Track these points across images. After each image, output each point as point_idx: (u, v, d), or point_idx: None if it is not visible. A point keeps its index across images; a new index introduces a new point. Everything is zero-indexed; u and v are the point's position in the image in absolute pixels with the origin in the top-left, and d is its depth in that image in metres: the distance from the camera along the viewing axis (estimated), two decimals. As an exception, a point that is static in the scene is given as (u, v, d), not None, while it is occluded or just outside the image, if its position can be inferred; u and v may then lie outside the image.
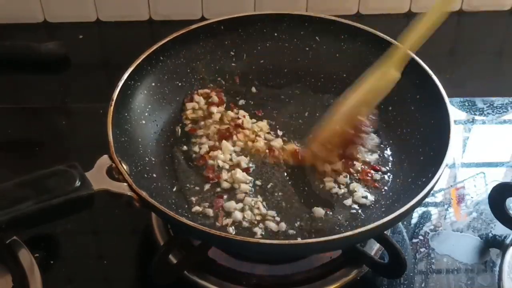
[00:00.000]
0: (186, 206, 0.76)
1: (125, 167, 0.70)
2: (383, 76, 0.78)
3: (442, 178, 0.71)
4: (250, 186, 0.78)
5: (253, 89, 0.91)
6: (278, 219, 0.75)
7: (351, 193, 0.78)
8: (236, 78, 0.91)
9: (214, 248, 0.75)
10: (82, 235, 0.81)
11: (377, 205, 0.77)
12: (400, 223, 0.82)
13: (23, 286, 0.69)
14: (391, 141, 0.84)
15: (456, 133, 0.74)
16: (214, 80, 0.90)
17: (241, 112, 0.88)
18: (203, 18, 1.12)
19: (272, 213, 0.76)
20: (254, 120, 0.87)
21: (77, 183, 0.66)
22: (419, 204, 0.69)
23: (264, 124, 0.86)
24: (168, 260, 0.72)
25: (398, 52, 0.78)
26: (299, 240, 0.70)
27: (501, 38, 1.16)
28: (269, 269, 0.75)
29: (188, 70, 0.88)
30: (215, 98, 0.89)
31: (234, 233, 0.73)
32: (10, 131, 0.95)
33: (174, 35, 0.86)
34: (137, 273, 0.77)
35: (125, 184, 0.68)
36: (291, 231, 0.74)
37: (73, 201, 0.66)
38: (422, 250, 0.79)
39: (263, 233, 0.74)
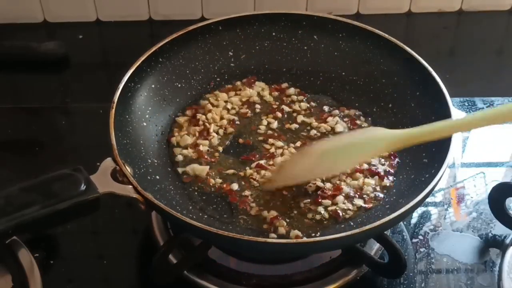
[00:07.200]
0: (191, 207, 0.76)
1: (129, 169, 0.70)
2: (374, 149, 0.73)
3: (442, 178, 0.71)
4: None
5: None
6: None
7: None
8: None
9: (214, 248, 0.75)
10: (82, 235, 0.81)
11: (381, 202, 0.77)
12: (401, 223, 0.82)
13: (23, 286, 0.69)
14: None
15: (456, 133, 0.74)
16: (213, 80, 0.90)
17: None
18: (203, 18, 1.13)
19: None
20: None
21: (83, 187, 0.66)
22: (420, 204, 0.69)
23: None
24: (168, 260, 0.72)
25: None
26: (300, 240, 0.70)
27: (501, 38, 1.15)
28: (269, 269, 0.75)
29: (187, 71, 0.88)
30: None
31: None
32: (10, 131, 0.95)
33: (173, 36, 0.86)
34: (137, 273, 0.77)
35: (129, 186, 0.68)
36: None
37: (79, 205, 0.66)
38: (422, 250, 0.79)
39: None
